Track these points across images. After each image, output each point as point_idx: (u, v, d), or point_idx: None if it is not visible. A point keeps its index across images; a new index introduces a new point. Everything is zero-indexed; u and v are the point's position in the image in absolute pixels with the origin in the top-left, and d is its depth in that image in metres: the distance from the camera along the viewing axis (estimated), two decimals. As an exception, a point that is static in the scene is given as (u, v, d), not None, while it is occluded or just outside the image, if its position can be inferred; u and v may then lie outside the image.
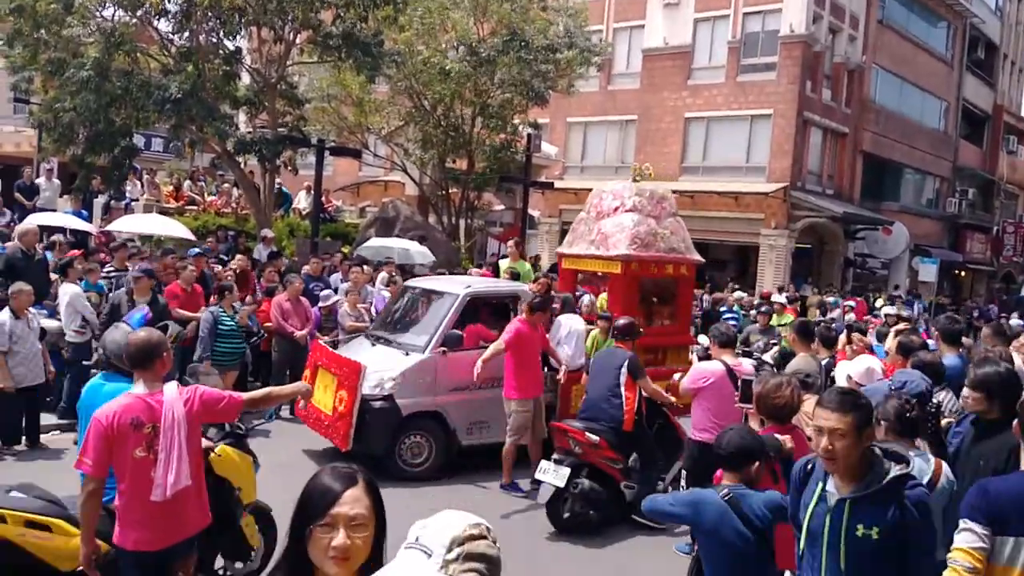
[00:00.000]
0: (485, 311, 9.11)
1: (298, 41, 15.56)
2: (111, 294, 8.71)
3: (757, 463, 3.72)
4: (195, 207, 17.51)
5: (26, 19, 13.60)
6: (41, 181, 15.14)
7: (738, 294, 18.08)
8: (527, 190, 18.99)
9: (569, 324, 8.58)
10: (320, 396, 7.93)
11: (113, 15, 14.18)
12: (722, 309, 16.19)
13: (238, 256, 12.24)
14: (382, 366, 7.86)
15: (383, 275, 12.51)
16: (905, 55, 30.13)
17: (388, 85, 18.55)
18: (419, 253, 15.19)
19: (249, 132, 15.79)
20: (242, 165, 16.52)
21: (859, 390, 5.28)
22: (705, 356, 7.54)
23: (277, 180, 17.27)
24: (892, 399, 4.14)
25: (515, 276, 11.79)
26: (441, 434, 7.95)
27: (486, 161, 19.31)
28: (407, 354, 7.99)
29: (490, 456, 7.90)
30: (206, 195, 18.51)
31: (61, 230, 12.65)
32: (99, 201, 15.76)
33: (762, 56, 25.31)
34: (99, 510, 3.70)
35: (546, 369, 8.19)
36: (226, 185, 19.03)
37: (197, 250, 11.74)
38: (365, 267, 12.40)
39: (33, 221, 11.34)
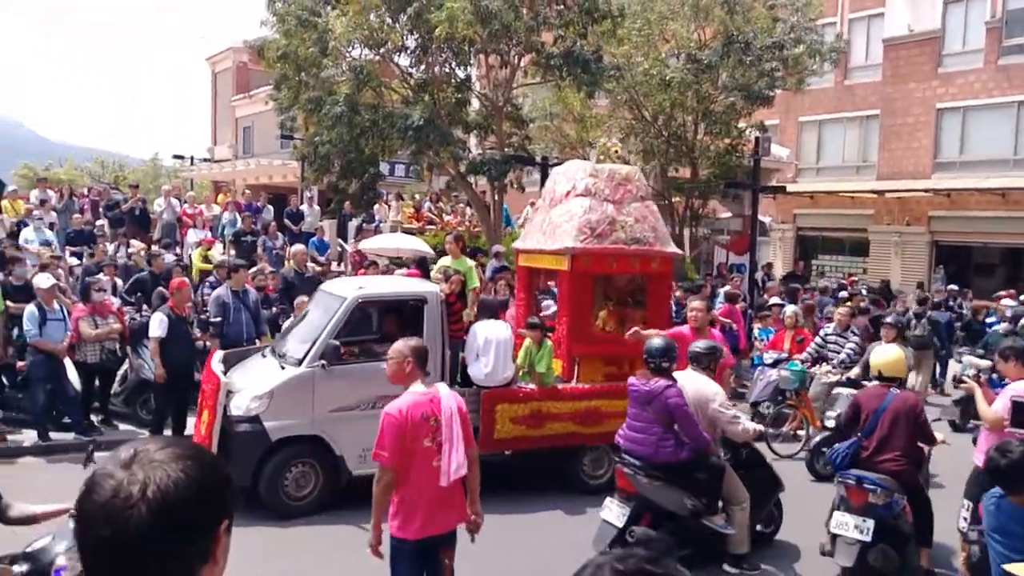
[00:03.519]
0: (391, 318, 7.99)
1: (522, 64, 16.25)
2: None
3: None
4: (433, 226, 18.81)
5: (290, 64, 15.48)
6: (304, 208, 17.08)
7: (1007, 301, 16.13)
8: (756, 195, 18.32)
9: (486, 333, 7.38)
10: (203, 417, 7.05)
11: (360, 54, 15.67)
12: (989, 320, 14.50)
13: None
14: (255, 382, 6.91)
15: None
16: None
17: (608, 99, 18.78)
18: None
19: (479, 154, 16.72)
20: (473, 185, 17.51)
21: None
22: (976, 378, 6.76)
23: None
24: None
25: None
26: (327, 462, 6.79)
27: (711, 168, 18.92)
28: (283, 368, 6.98)
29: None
30: (443, 215, 19.83)
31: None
32: (352, 224, 17.45)
33: (1029, 33, 22.53)
34: (390, 501, 4.07)
35: (457, 384, 7.41)
36: (460, 205, 20.27)
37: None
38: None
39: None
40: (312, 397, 6.74)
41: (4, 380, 9.06)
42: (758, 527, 6.28)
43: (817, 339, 10.20)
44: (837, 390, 8.84)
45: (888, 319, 9.40)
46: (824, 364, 9.75)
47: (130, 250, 13.46)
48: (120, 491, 1.12)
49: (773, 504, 6.39)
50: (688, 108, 17.88)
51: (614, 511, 5.73)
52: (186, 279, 9.85)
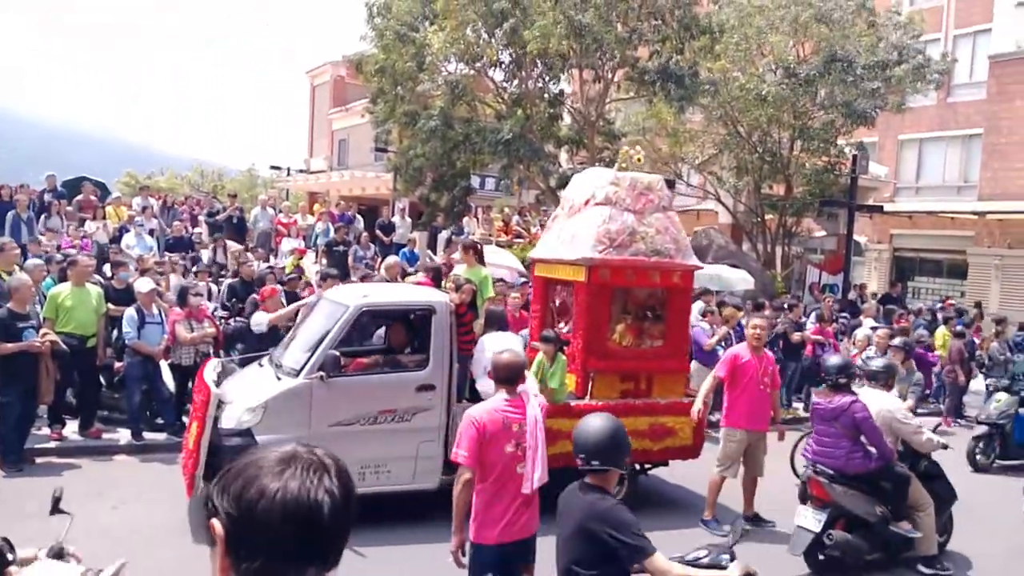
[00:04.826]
0: (397, 328, 7.66)
1: (615, 79, 16.09)
2: None
3: None
4: (522, 240, 18.79)
5: (387, 79, 15.75)
6: (396, 219, 17.30)
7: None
8: (852, 214, 17.69)
9: (494, 346, 6.83)
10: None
11: (456, 69, 15.81)
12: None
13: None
14: (249, 394, 6.50)
15: (699, 304, 12.32)
16: None
17: (702, 115, 18.45)
18: (740, 279, 14.68)
19: (570, 168, 16.63)
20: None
21: None
22: None
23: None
24: None
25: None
26: None
27: (806, 185, 18.37)
28: (279, 379, 6.57)
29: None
30: (531, 228, 19.79)
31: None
32: (442, 236, 17.60)
33: None
34: (471, 501, 4.15)
35: (465, 399, 7.01)
36: (548, 219, 20.19)
37: (523, 279, 12.56)
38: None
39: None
40: (309, 410, 6.33)
41: (102, 380, 9.34)
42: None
43: (859, 361, 9.57)
44: None
45: (895, 341, 8.79)
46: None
47: (228, 253, 13.95)
48: (318, 488, 1.23)
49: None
50: (784, 124, 17.39)
51: (809, 518, 6.08)
52: (277, 287, 10.02)
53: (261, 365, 7.24)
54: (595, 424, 3.39)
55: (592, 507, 3.21)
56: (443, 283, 8.25)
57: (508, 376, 4.25)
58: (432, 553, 5.85)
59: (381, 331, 8.29)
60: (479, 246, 9.58)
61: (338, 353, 6.50)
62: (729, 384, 7.08)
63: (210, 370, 6.99)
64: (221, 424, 6.27)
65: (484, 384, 6.89)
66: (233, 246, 14.62)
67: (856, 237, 19.92)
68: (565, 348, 7.40)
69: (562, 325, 7.85)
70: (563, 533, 3.35)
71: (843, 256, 18.04)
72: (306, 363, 6.45)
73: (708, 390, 7.24)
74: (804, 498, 7.48)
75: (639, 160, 7.84)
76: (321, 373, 6.35)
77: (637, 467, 7.55)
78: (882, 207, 21.15)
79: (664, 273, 7.36)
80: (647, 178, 7.63)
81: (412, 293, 7.88)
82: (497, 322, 7.39)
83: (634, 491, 7.41)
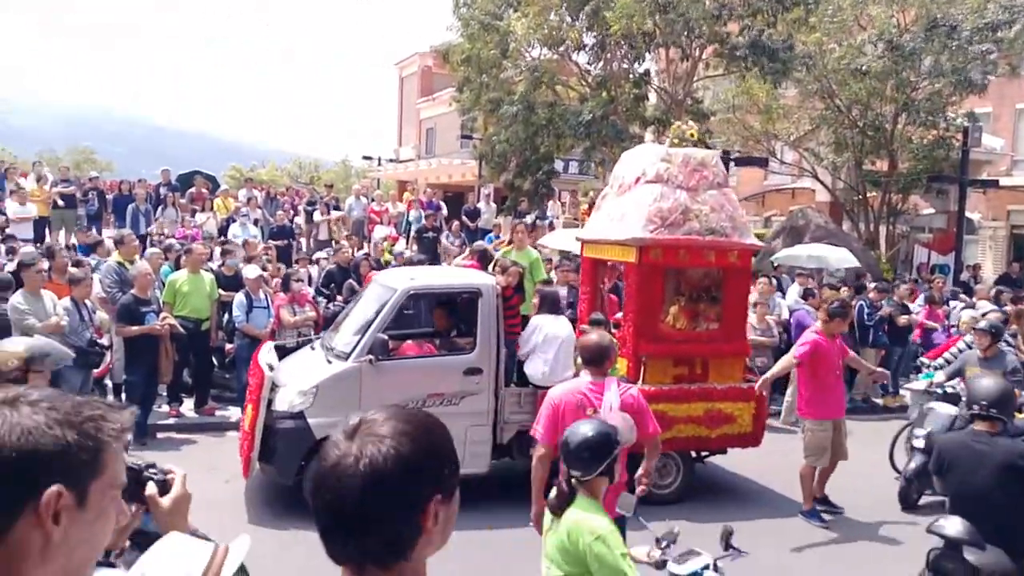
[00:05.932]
0: (442, 310, 7.62)
1: (703, 56, 15.78)
2: None
3: None
4: (608, 223, 18.75)
5: (472, 67, 15.94)
6: (481, 205, 17.52)
7: None
8: (963, 190, 16.81)
9: (547, 328, 6.75)
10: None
11: (539, 54, 15.85)
12: None
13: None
14: (301, 377, 6.58)
15: (796, 286, 12.01)
16: None
17: (797, 89, 17.86)
18: (840, 258, 14.20)
19: (657, 149, 16.45)
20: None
21: None
22: None
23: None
24: None
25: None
26: None
27: (913, 160, 17.52)
28: (330, 362, 6.59)
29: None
30: (617, 211, 19.69)
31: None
32: (527, 220, 17.73)
33: None
34: (547, 473, 4.22)
35: (513, 383, 6.88)
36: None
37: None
38: (772, 278, 12.04)
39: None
40: (359, 393, 6.29)
41: (215, 361, 9.89)
42: None
43: (960, 343, 8.92)
44: (929, 404, 7.49)
45: (980, 324, 7.85)
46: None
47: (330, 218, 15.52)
48: (342, 460, 1.23)
49: None
50: (887, 97, 16.62)
51: None
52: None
53: (313, 348, 7.30)
54: (991, 381, 4.16)
55: (1014, 448, 3.88)
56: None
57: (592, 357, 4.25)
58: (485, 539, 5.75)
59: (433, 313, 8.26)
60: (531, 228, 9.46)
61: (386, 336, 6.50)
62: (809, 373, 6.77)
63: (265, 353, 7.10)
64: (275, 407, 6.37)
65: (532, 367, 6.83)
66: (336, 214, 15.94)
67: (968, 214, 18.93)
68: (615, 332, 7.20)
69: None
70: (981, 474, 3.89)
71: (954, 235, 17.21)
72: (355, 346, 6.45)
73: (782, 369, 6.99)
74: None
75: (693, 135, 7.54)
76: (370, 356, 6.35)
77: (693, 455, 7.28)
78: (997, 181, 19.95)
79: (720, 252, 7.04)
80: (701, 154, 7.30)
81: (458, 276, 7.92)
82: (550, 304, 7.23)
83: (690, 480, 7.14)
